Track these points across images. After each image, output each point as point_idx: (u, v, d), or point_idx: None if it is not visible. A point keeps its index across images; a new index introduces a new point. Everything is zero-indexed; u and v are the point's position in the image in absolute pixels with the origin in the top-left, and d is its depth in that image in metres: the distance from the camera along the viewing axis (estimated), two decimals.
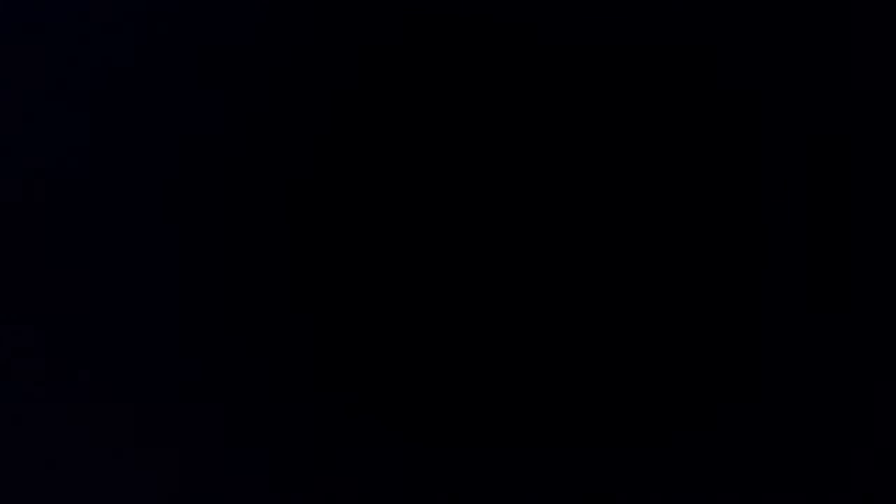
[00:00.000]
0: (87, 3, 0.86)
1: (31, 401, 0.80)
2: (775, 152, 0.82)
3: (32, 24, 0.86)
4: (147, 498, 0.78)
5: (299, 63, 0.86)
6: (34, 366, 0.81)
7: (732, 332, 0.80)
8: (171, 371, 0.82)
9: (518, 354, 0.81)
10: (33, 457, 0.79)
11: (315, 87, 0.86)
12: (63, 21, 0.87)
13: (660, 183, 0.82)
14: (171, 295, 0.85)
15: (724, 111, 0.82)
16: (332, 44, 0.86)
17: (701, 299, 0.81)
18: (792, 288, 0.81)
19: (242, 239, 0.85)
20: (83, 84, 0.87)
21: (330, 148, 0.85)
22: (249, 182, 0.85)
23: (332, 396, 0.81)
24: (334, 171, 0.85)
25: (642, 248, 0.82)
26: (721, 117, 0.82)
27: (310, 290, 0.83)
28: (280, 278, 0.84)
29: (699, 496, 0.79)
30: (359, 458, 0.80)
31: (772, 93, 0.82)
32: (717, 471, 0.79)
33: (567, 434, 0.80)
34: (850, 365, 0.79)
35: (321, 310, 0.83)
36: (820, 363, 0.80)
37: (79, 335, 0.82)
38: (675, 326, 0.81)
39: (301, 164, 0.85)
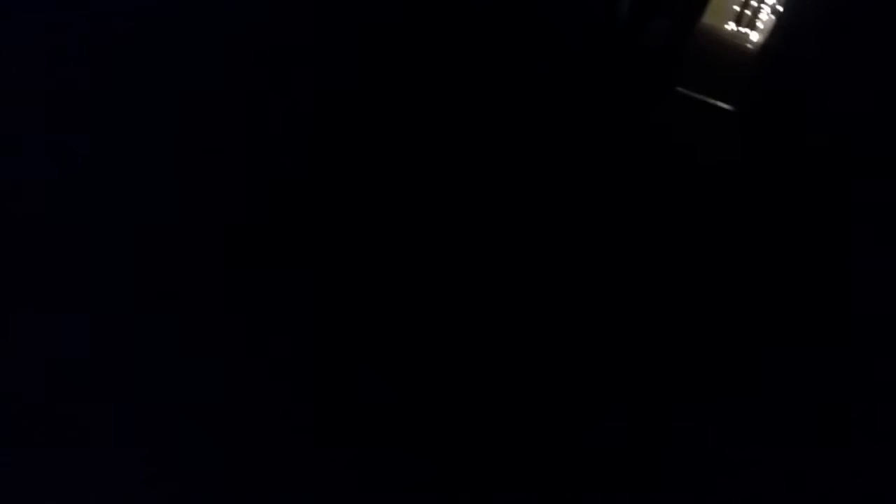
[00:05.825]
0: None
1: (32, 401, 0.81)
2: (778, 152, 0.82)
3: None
4: (147, 497, 0.79)
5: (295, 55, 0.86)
6: (35, 364, 0.81)
7: (731, 332, 0.81)
8: (171, 371, 0.82)
9: (517, 356, 0.82)
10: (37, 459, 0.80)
11: (312, 84, 0.86)
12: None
13: (659, 183, 0.82)
14: (173, 293, 0.84)
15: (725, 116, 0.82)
16: (330, 41, 0.86)
17: (700, 299, 0.81)
18: (793, 287, 0.81)
19: (242, 236, 0.85)
20: (83, 81, 0.86)
21: (327, 146, 0.85)
22: (245, 177, 0.85)
23: (333, 397, 0.82)
24: (330, 168, 0.85)
25: (641, 245, 0.82)
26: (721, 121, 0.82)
27: (310, 290, 0.83)
28: (279, 278, 0.84)
29: (696, 494, 0.79)
30: (358, 460, 0.80)
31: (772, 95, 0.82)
32: (715, 470, 0.80)
33: (564, 436, 0.80)
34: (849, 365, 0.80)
35: (321, 310, 0.83)
36: (819, 363, 0.80)
37: (79, 331, 0.82)
38: (674, 327, 0.81)
39: (298, 163, 0.85)
